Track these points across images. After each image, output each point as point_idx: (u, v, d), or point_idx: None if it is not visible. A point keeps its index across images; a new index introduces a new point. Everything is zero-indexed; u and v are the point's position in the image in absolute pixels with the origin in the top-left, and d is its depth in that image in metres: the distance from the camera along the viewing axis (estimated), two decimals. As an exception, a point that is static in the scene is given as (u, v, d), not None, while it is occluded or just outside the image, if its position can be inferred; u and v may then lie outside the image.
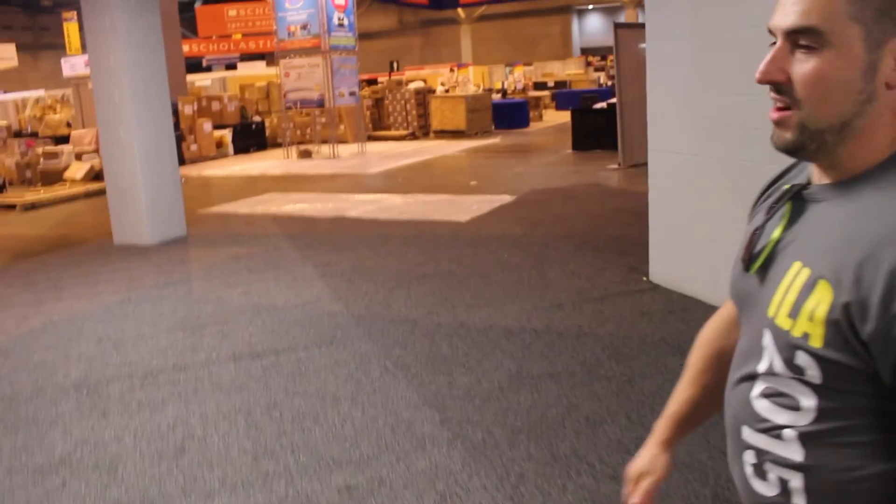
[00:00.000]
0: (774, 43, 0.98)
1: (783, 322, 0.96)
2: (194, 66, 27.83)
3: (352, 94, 16.22)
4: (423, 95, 20.32)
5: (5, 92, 25.83)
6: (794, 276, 0.96)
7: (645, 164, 5.83)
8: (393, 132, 19.97)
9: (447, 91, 22.65)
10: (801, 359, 0.94)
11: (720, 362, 1.26)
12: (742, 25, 4.39)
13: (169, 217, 8.14)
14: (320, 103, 15.74)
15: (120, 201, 7.99)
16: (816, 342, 0.92)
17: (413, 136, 19.65)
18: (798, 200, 1.02)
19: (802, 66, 0.94)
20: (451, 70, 32.34)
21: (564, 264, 6.21)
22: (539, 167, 12.93)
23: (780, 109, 0.98)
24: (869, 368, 0.89)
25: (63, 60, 23.49)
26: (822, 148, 0.96)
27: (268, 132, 18.91)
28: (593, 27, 41.42)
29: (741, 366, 1.06)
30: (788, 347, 0.95)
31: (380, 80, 26.59)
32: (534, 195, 9.76)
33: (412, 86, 21.40)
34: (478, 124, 19.46)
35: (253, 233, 8.35)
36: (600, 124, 14.39)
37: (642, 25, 12.59)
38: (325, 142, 17.00)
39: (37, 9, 37.25)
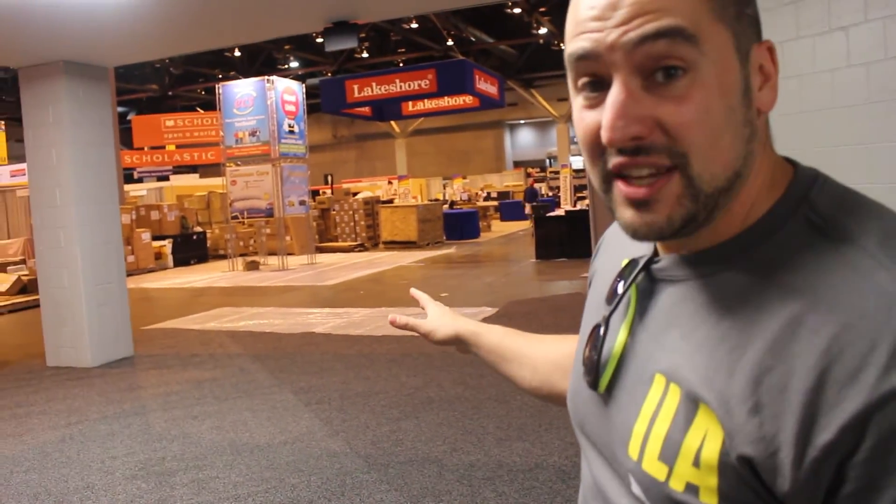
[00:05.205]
0: (589, 86, 0.61)
1: (653, 469, 0.60)
2: (126, 177, 26.77)
3: (302, 203, 15.42)
4: (372, 205, 19.69)
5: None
6: (659, 397, 0.61)
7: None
8: (341, 243, 19.17)
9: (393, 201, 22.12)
10: None
11: (552, 370, 1.01)
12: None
13: (114, 335, 7.03)
14: (269, 213, 14.87)
15: (56, 317, 6.88)
16: (709, 497, 0.56)
17: (362, 248, 18.87)
18: (646, 280, 0.68)
19: (678, 102, 0.57)
20: (390, 182, 32.14)
21: (590, 385, 5.39)
22: (508, 277, 12.23)
23: (649, 181, 0.59)
24: None
25: (-12, 170, 22.37)
26: (709, 218, 0.61)
27: (209, 243, 17.89)
28: (525, 141, 42.24)
29: None
30: None
31: (322, 191, 25.99)
32: (516, 307, 9.00)
33: (361, 195, 20.81)
34: (429, 235, 18.85)
35: (211, 352, 7.29)
36: (563, 232, 14.02)
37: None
38: (272, 253, 16.11)
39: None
